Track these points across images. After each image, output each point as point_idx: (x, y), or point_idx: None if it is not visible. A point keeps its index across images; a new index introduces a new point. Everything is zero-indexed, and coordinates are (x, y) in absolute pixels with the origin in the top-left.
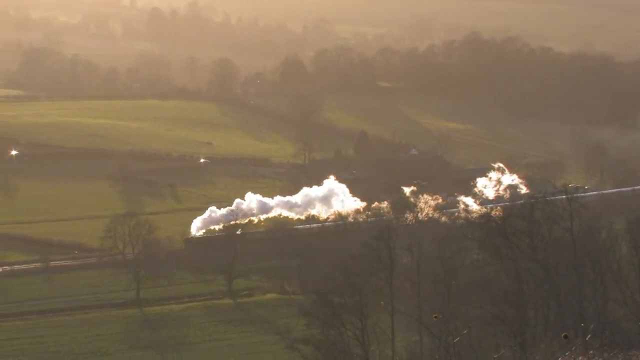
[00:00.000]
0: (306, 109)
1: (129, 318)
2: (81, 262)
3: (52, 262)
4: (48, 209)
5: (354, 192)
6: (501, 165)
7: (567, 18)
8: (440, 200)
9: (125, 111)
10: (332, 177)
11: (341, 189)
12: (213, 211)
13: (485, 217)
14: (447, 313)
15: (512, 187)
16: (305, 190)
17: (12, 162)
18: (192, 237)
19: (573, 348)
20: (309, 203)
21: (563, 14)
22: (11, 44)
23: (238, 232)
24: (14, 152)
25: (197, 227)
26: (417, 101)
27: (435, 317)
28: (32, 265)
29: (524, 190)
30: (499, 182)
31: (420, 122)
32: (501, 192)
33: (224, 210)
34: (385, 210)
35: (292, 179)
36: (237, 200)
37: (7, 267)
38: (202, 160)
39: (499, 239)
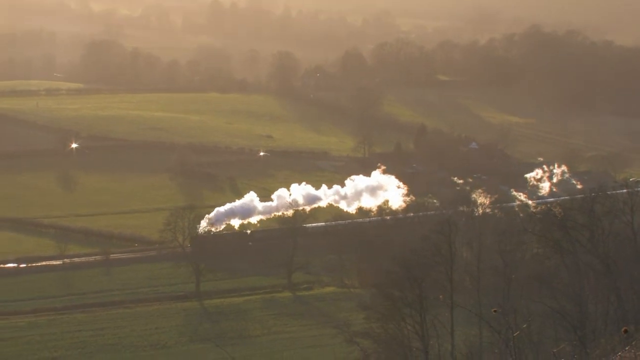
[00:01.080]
0: (366, 102)
1: (189, 311)
2: (141, 254)
3: (112, 255)
4: (108, 201)
5: (414, 186)
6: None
7: (629, 11)
8: (492, 199)
9: (186, 104)
10: (379, 169)
11: (390, 181)
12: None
13: (545, 211)
14: (507, 307)
15: (565, 182)
16: (353, 181)
17: (73, 155)
18: (198, 234)
19: (633, 342)
20: (357, 194)
21: (625, 7)
22: (73, 37)
23: (248, 232)
24: (74, 145)
25: (203, 225)
26: (477, 95)
27: (495, 311)
28: (92, 258)
29: (577, 184)
30: (551, 176)
31: (480, 115)
32: (554, 186)
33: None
34: (437, 204)
35: (351, 173)
36: (278, 192)
37: (67, 260)
38: (261, 153)
39: (559, 232)
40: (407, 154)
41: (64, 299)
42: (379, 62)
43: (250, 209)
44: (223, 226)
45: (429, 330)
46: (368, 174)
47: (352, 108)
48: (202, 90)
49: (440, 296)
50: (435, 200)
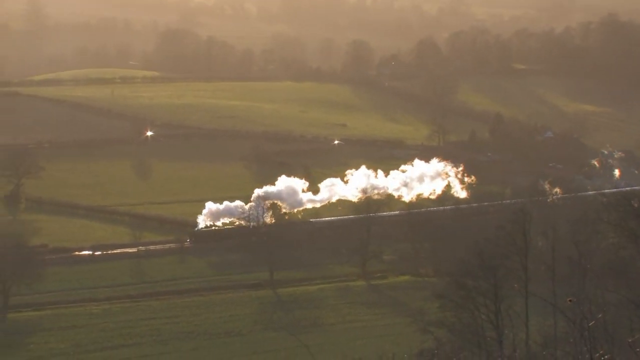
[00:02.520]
0: (441, 91)
1: (263, 299)
2: (215, 243)
3: (186, 243)
4: (183, 189)
5: (489, 175)
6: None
7: None
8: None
9: (260, 93)
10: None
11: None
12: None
13: (621, 200)
14: (582, 297)
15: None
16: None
17: (148, 143)
18: (198, 229)
19: None
20: (417, 181)
21: None
22: (147, 26)
23: (251, 225)
24: (149, 133)
25: (203, 220)
26: (553, 83)
27: (570, 300)
28: (166, 246)
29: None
30: (614, 165)
31: (556, 104)
32: (621, 175)
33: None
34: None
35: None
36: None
37: (142, 248)
38: (336, 142)
39: (635, 222)
40: (482, 142)
41: (138, 286)
42: (453, 50)
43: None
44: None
45: (503, 319)
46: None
47: (426, 97)
48: (276, 79)
49: (515, 285)
50: (509, 189)
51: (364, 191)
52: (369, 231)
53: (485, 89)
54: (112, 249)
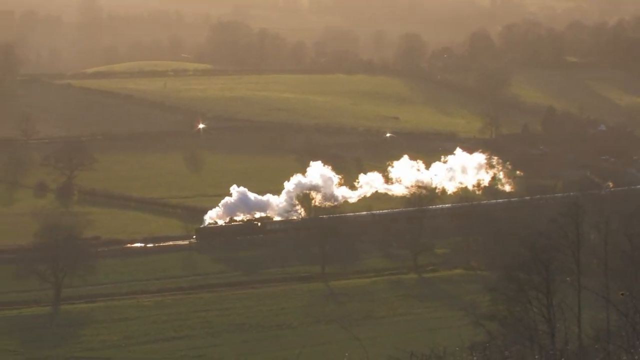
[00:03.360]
0: (493, 83)
1: (314, 292)
2: (265, 236)
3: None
4: (235, 182)
5: (541, 168)
6: None
7: None
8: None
9: (312, 85)
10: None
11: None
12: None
13: None
14: (635, 290)
15: None
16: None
17: (200, 136)
18: (203, 226)
19: None
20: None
21: None
22: (200, 18)
23: (258, 223)
24: (201, 126)
25: (210, 217)
26: (606, 76)
27: (622, 294)
28: None
29: None
30: None
31: (609, 97)
32: None
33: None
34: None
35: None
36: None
37: (193, 240)
38: (388, 134)
39: None
40: (534, 135)
41: (189, 278)
42: (506, 43)
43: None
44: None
45: (555, 313)
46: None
47: (479, 89)
48: (328, 72)
49: (567, 279)
50: (562, 182)
51: (415, 185)
52: (421, 224)
53: (537, 82)
54: (164, 241)
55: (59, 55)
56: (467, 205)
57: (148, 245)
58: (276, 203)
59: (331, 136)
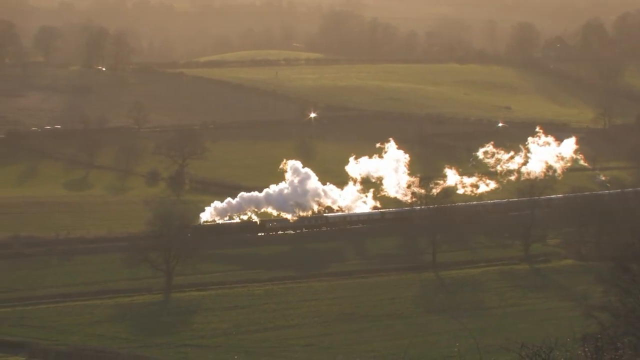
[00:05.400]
0: (607, 73)
1: (425, 281)
2: (372, 225)
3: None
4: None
5: None
6: None
7: None
8: None
9: (424, 75)
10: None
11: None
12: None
13: None
14: None
15: None
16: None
17: (311, 125)
18: (202, 223)
19: None
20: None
21: None
22: (312, 7)
23: (257, 222)
24: (312, 115)
25: (211, 213)
26: None
27: None
28: (328, 228)
29: None
30: None
31: None
32: None
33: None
34: None
35: (591, 144)
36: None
37: (306, 230)
38: (499, 124)
39: None
40: None
41: (299, 267)
42: (620, 32)
43: None
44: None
45: None
46: (609, 146)
47: (592, 79)
48: (440, 61)
49: None
50: None
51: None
52: (533, 214)
53: None
54: (275, 231)
55: (171, 44)
56: (580, 196)
57: (258, 234)
58: (339, 195)
59: (442, 126)
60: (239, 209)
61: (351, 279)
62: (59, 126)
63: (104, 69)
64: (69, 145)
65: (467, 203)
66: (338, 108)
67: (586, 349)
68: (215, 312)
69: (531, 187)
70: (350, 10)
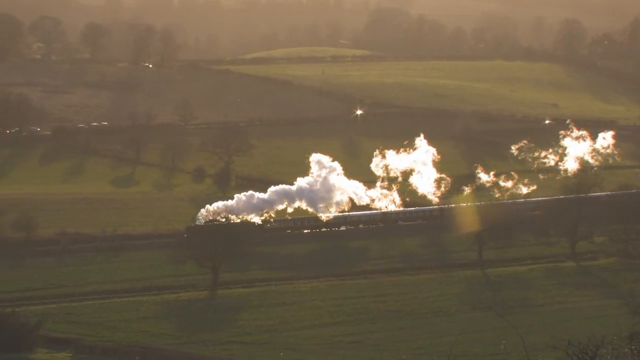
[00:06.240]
0: None
1: (471, 279)
2: (423, 222)
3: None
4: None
5: None
6: None
7: None
8: None
9: (470, 72)
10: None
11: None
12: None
13: None
14: None
15: None
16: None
17: (357, 122)
18: (194, 225)
19: None
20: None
21: None
22: (358, 4)
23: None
24: (359, 112)
25: (203, 215)
26: None
27: None
28: (373, 226)
29: None
30: None
31: None
32: None
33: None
34: None
35: (638, 142)
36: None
37: (361, 226)
38: (546, 121)
39: None
40: None
41: (346, 264)
42: None
43: None
44: None
45: None
46: None
47: (639, 77)
48: (486, 58)
49: None
50: None
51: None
52: (580, 212)
53: None
54: (321, 228)
55: (217, 41)
56: (627, 193)
57: (304, 231)
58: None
59: (489, 123)
60: (272, 204)
61: (397, 276)
62: (105, 123)
63: (150, 65)
64: (116, 142)
65: (513, 200)
66: (384, 105)
67: (633, 347)
68: (261, 309)
69: (577, 185)
70: (397, 7)
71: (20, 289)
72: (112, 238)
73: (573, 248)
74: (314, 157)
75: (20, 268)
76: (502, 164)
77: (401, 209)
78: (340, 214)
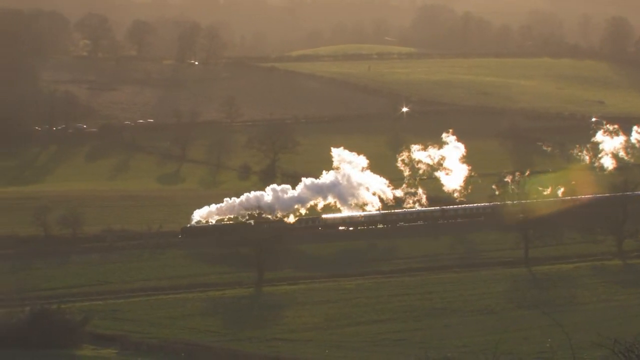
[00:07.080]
0: None
1: (516, 277)
2: (469, 219)
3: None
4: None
5: None
6: None
7: None
8: None
9: (516, 69)
10: None
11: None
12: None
13: None
14: None
15: None
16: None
17: (403, 119)
18: (190, 225)
19: None
20: None
21: None
22: (404, 1)
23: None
24: (405, 109)
25: (200, 216)
26: None
27: None
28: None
29: None
30: None
31: None
32: None
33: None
34: None
35: None
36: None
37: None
38: (593, 119)
39: None
40: None
41: (390, 262)
42: None
43: None
44: None
45: None
46: None
47: None
48: (533, 55)
49: None
50: None
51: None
52: (626, 209)
53: None
54: (361, 225)
55: (263, 38)
56: None
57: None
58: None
59: (535, 120)
60: (304, 201)
61: (442, 273)
62: (151, 120)
63: (196, 63)
64: (162, 139)
65: (560, 198)
66: (430, 102)
67: None
68: (306, 306)
69: (624, 182)
70: (443, 4)
71: (66, 285)
72: (158, 235)
73: (619, 246)
74: (335, 152)
75: (66, 265)
76: (549, 162)
77: (454, 206)
78: (394, 211)
